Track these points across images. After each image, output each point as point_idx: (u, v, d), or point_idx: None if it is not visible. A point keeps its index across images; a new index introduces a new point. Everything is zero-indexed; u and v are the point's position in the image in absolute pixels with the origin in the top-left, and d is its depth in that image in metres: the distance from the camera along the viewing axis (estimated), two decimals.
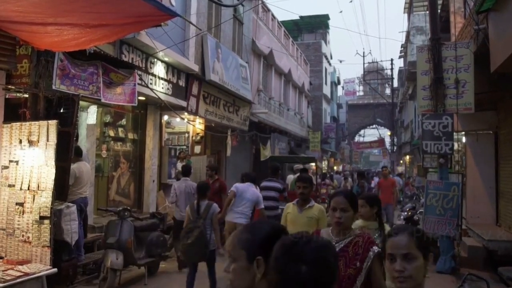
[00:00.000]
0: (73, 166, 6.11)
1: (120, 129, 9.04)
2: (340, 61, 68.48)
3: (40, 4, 3.70)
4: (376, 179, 16.65)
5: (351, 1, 23.63)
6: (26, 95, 5.47)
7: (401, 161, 31.56)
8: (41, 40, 4.79)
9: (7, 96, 5.57)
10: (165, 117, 10.28)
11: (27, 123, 5.06)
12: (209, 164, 9.54)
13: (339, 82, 41.34)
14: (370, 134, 48.61)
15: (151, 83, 8.61)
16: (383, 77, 39.59)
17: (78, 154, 6.39)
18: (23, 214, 4.87)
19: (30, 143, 4.94)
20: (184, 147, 11.26)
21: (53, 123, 4.86)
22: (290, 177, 13.23)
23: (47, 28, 4.30)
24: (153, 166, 9.57)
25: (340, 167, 35.94)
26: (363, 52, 48.61)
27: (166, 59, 9.08)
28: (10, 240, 4.95)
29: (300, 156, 18.21)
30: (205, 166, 9.73)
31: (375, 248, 2.33)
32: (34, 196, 4.82)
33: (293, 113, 22.46)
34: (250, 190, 6.49)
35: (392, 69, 31.55)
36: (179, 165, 9.89)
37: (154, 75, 8.86)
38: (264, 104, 16.79)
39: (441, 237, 7.28)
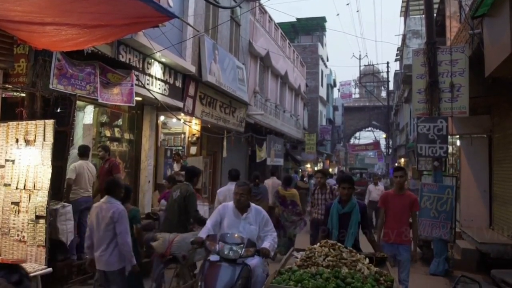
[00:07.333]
0: (75, 163, 6.25)
1: (116, 129, 9.02)
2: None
3: (39, 4, 3.70)
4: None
5: (348, 4, 23.81)
6: (23, 94, 5.49)
7: (396, 164, 31.59)
8: (39, 39, 4.78)
9: (4, 95, 5.57)
10: (162, 118, 10.27)
11: (24, 122, 5.07)
12: (101, 145, 7.80)
13: (335, 85, 41.44)
14: (365, 136, 48.83)
15: (148, 84, 8.62)
16: (379, 80, 39.73)
17: (81, 154, 6.57)
18: (18, 213, 4.87)
19: (27, 142, 4.94)
20: (180, 147, 11.26)
21: (50, 122, 4.87)
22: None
23: (45, 28, 4.30)
24: (149, 167, 9.56)
25: (336, 169, 35.99)
26: (360, 55, 48.76)
27: (163, 59, 9.08)
28: (5, 240, 4.94)
29: (362, 167, 33.08)
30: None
31: None
32: (30, 195, 4.83)
33: (289, 115, 22.50)
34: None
35: (388, 72, 31.72)
36: (175, 166, 9.91)
37: (151, 76, 8.86)
38: (260, 106, 16.84)
39: (435, 239, 7.35)
